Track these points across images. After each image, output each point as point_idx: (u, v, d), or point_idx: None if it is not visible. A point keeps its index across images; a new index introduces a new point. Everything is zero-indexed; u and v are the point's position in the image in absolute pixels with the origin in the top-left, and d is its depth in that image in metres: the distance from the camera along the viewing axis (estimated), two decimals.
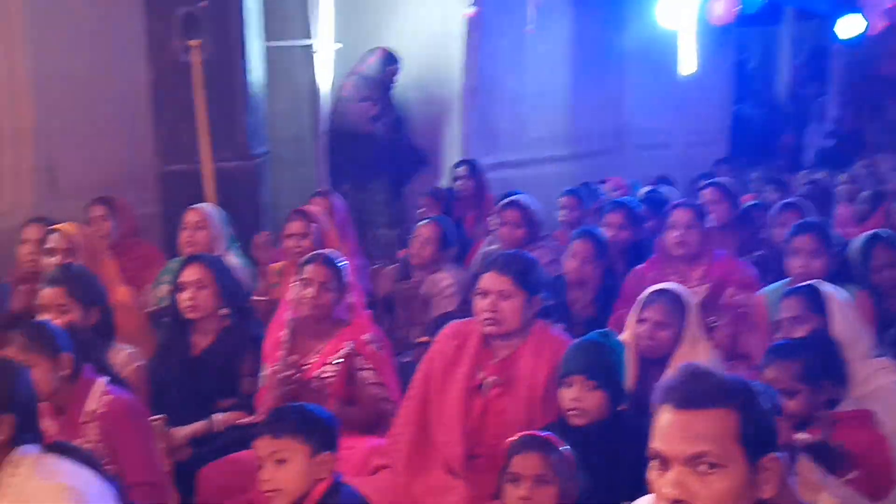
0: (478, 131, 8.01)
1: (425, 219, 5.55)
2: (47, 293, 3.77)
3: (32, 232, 5.02)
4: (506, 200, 5.70)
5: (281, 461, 2.67)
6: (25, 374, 2.56)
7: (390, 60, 7.39)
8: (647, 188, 7.28)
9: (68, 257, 4.40)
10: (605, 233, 5.11)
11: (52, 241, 4.50)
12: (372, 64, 7.41)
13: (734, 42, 11.62)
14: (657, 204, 6.22)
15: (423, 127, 7.80)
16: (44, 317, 3.70)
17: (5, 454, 2.44)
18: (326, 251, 4.15)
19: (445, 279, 5.22)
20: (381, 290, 5.39)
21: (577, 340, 3.39)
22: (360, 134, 7.25)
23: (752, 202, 6.67)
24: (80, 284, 3.81)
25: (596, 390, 3.09)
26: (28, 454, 2.46)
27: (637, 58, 9.40)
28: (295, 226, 4.96)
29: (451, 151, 7.66)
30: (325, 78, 7.31)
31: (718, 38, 9.97)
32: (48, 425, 3.14)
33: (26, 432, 2.48)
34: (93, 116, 6.62)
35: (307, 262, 3.98)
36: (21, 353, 2.95)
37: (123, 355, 3.81)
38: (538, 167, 8.39)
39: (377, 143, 7.30)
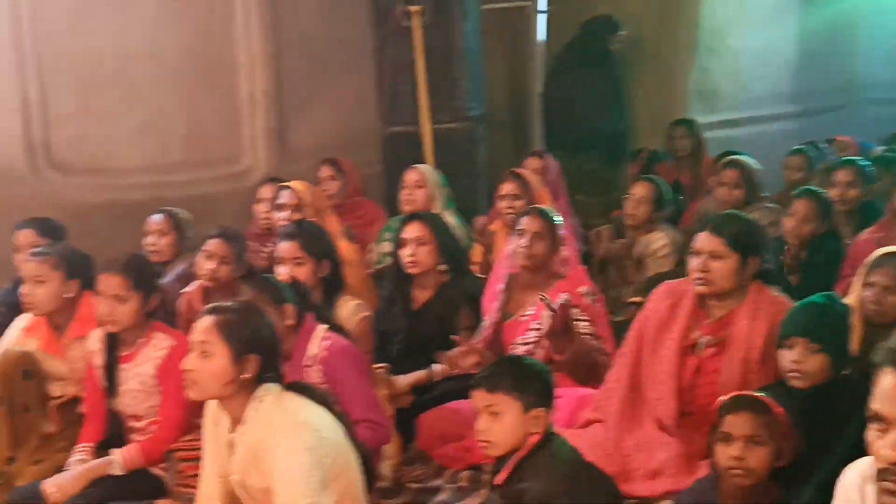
0: (697, 90, 7.82)
1: (640, 178, 5.52)
2: (283, 247, 4.06)
3: (267, 191, 5.40)
4: (724, 160, 5.57)
5: (495, 414, 2.75)
6: (268, 318, 2.80)
7: (611, 28, 7.26)
8: (881, 148, 6.85)
9: (297, 213, 4.71)
10: (832, 192, 4.91)
11: (283, 197, 4.83)
12: (590, 30, 7.32)
13: None
14: (890, 164, 5.89)
15: (640, 87, 7.68)
16: (280, 269, 4.01)
17: (251, 391, 2.69)
18: (541, 206, 4.24)
19: (660, 239, 5.19)
20: (595, 249, 5.43)
21: (799, 302, 3.31)
22: (576, 104, 7.19)
23: None
24: (313, 239, 4.07)
25: (818, 353, 3.01)
26: (271, 391, 2.70)
27: (873, 2, 8.78)
28: (509, 186, 5.07)
29: (670, 111, 7.52)
30: (541, 39, 7.36)
31: None
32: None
33: (269, 371, 2.72)
34: (321, 82, 6.98)
35: (522, 214, 4.10)
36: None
37: (351, 306, 4.05)
38: (760, 126, 8.08)
39: (592, 114, 7.22)
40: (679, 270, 4.60)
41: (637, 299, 4.76)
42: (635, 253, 5.29)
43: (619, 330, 3.95)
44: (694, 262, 3.38)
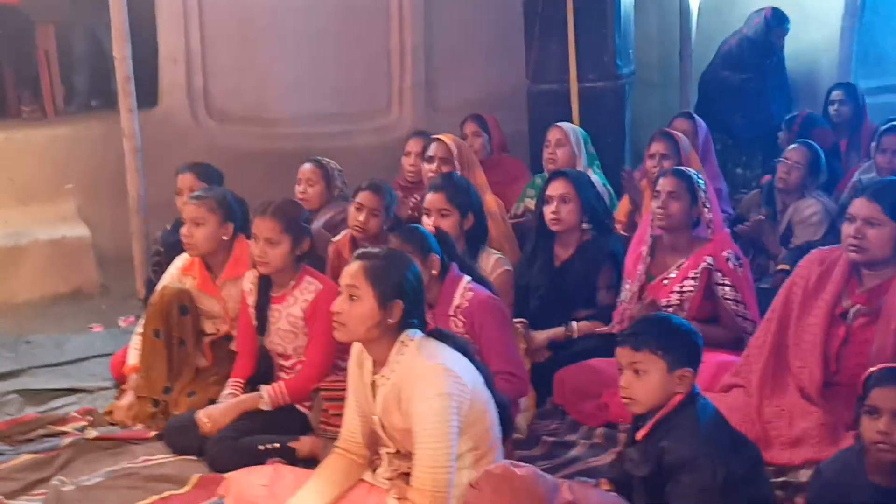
0: (860, 53, 7.46)
1: (795, 143, 5.33)
2: (430, 198, 4.13)
3: (414, 144, 5.47)
4: (886, 126, 5.32)
5: (639, 372, 2.74)
6: (415, 266, 2.87)
7: (777, 22, 6.93)
8: None
9: (444, 165, 4.77)
10: None
11: (432, 149, 4.89)
12: (757, 26, 7.00)
13: None
14: None
15: (800, 51, 7.37)
16: (426, 220, 4.08)
17: (395, 335, 2.77)
18: (680, 167, 4.16)
19: (811, 206, 5.03)
20: (742, 214, 5.30)
21: None
22: (733, 97, 6.93)
23: None
24: (459, 191, 4.12)
25: None
26: (414, 336, 2.77)
27: None
28: (658, 146, 4.99)
29: (830, 75, 7.21)
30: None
31: None
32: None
33: (413, 317, 2.79)
34: (471, 37, 7.02)
35: (660, 175, 4.04)
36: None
37: (493, 260, 4.10)
38: None
39: (755, 110, 6.95)
40: (830, 239, 4.47)
41: (784, 267, 4.64)
42: (785, 219, 5.14)
43: (765, 298, 3.87)
44: (848, 229, 3.27)
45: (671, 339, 2.75)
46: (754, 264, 5.11)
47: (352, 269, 2.78)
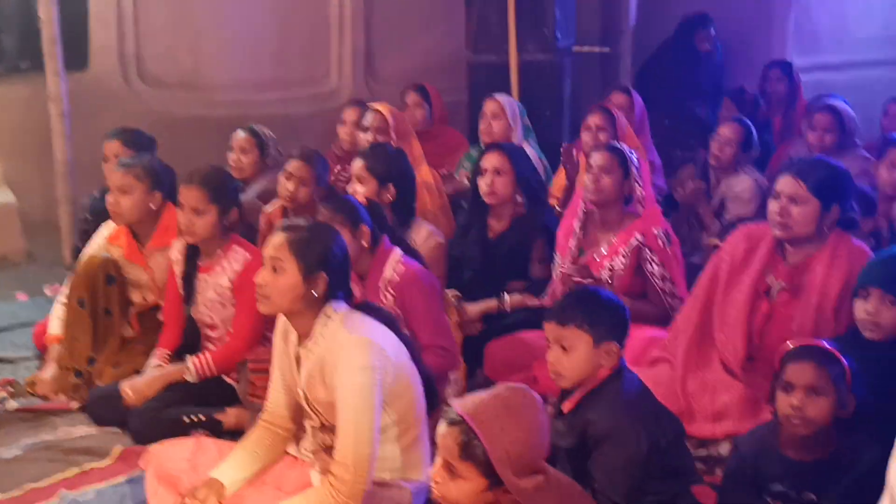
0: (796, 31, 7.54)
1: (728, 120, 5.38)
2: (353, 165, 4.10)
3: (350, 113, 5.42)
4: (818, 104, 5.39)
5: (565, 347, 2.74)
6: (340, 238, 2.83)
7: (703, 24, 6.92)
8: None
9: (380, 135, 4.72)
10: None
11: (368, 119, 4.84)
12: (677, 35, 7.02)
13: None
14: None
15: (738, 28, 7.42)
16: (355, 187, 4.04)
17: (320, 307, 2.74)
18: (613, 142, 4.17)
19: (743, 182, 5.07)
20: (677, 189, 5.33)
21: (879, 252, 3.21)
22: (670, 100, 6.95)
23: None
24: (380, 160, 4.06)
25: (894, 306, 2.94)
26: (338, 309, 2.74)
27: None
28: (594, 119, 4.99)
29: (767, 52, 7.27)
30: None
31: None
32: (354, 289, 3.48)
33: (338, 290, 2.76)
34: (411, 6, 6.95)
35: (592, 150, 4.05)
36: (327, 222, 3.22)
37: (425, 232, 4.07)
38: (862, 71, 7.74)
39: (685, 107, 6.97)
40: (762, 215, 4.51)
41: (716, 242, 4.68)
42: (718, 194, 5.19)
43: (696, 272, 3.90)
44: (774, 206, 3.30)
45: (597, 314, 2.74)
46: (689, 237, 5.16)
47: (275, 241, 2.74)
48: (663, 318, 3.82)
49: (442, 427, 2.32)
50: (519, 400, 2.35)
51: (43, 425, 3.64)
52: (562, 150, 5.14)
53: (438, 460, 2.35)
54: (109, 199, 3.94)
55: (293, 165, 4.26)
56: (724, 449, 3.19)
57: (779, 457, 2.69)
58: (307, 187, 4.24)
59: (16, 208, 5.68)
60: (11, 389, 3.92)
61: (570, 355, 2.73)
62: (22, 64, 6.67)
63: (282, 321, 2.88)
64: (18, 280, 5.36)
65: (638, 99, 5.66)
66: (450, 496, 2.32)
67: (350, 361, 2.62)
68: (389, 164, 4.07)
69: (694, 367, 3.45)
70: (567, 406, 2.78)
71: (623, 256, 3.85)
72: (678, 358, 3.48)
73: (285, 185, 4.25)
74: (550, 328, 2.78)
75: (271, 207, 4.47)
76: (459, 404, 2.34)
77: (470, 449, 2.27)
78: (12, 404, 3.78)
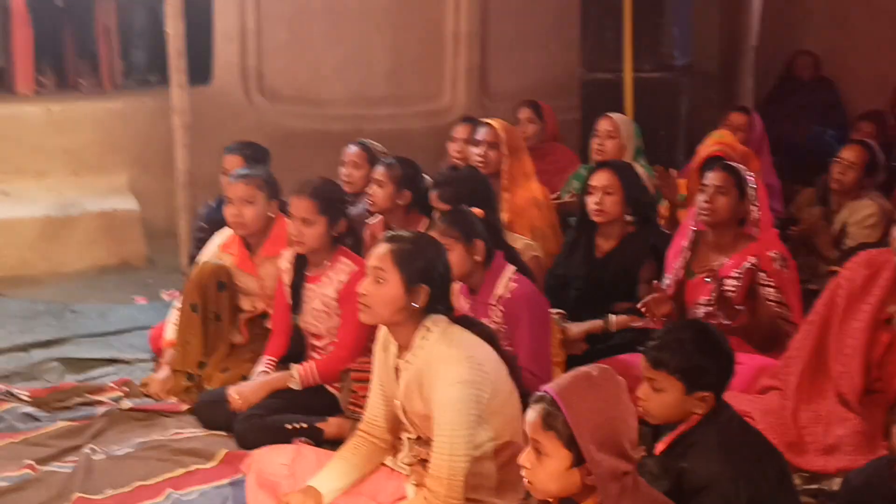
0: None
1: (851, 142, 5.18)
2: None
3: (461, 130, 5.42)
4: None
5: (656, 389, 2.63)
6: (443, 251, 2.84)
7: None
8: None
9: (491, 150, 4.72)
10: None
11: (480, 133, 4.84)
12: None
13: None
14: None
15: (869, 46, 7.17)
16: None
17: (420, 320, 2.74)
18: (729, 162, 4.06)
19: (868, 207, 4.89)
20: (795, 213, 5.17)
21: None
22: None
23: None
24: (454, 186, 4.03)
25: None
26: (438, 322, 2.74)
27: None
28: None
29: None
30: None
31: None
32: (462, 303, 3.48)
33: (438, 303, 2.76)
34: (526, 23, 6.95)
35: (707, 168, 3.95)
36: (441, 236, 3.24)
37: (521, 245, 4.04)
38: None
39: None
40: (885, 242, 4.33)
41: (836, 269, 4.51)
42: (839, 220, 5.01)
43: (814, 300, 3.75)
44: (895, 231, 3.16)
45: (693, 363, 2.58)
46: (804, 265, 4.99)
47: (379, 252, 2.76)
48: (775, 344, 3.69)
49: (529, 409, 2.31)
50: (601, 375, 2.30)
51: (154, 425, 3.75)
52: (656, 171, 4.98)
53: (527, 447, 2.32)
54: (230, 209, 3.99)
55: (376, 171, 4.33)
56: (837, 484, 3.04)
57: (893, 494, 2.55)
58: (383, 189, 4.27)
59: (139, 215, 5.89)
60: (127, 389, 4.06)
61: (659, 397, 2.62)
62: (150, 77, 6.97)
63: (383, 332, 2.89)
64: (138, 284, 5.56)
65: (757, 119, 5.52)
66: (538, 481, 2.27)
67: (448, 375, 2.61)
68: (459, 187, 4.03)
69: (807, 398, 3.32)
70: (660, 447, 2.68)
71: (735, 279, 3.73)
72: (790, 387, 3.36)
73: (370, 190, 4.32)
74: (644, 364, 2.66)
75: (374, 220, 4.52)
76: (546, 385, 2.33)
77: (550, 419, 2.23)
78: (126, 404, 3.90)
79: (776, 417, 3.25)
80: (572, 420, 2.21)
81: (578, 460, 2.23)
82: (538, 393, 2.30)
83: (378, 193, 4.25)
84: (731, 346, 2.70)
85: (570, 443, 2.22)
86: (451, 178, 4.11)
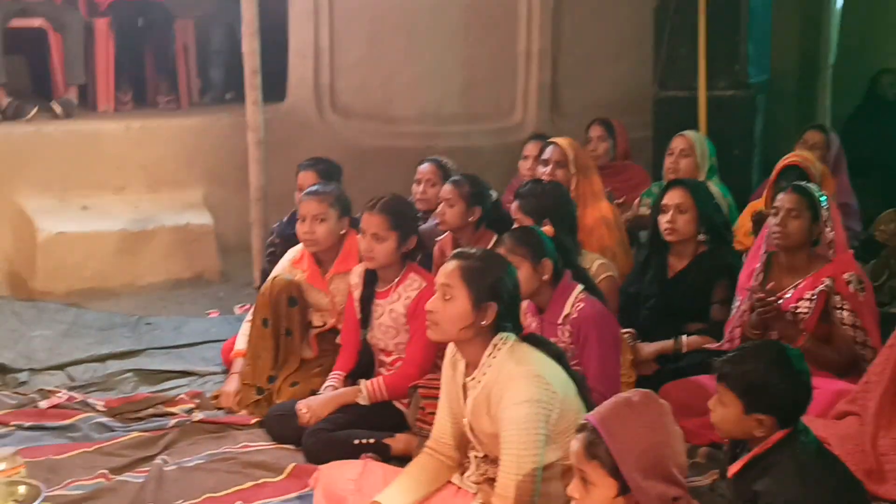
0: None
1: None
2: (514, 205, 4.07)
3: (532, 147, 5.42)
4: None
5: (722, 402, 2.64)
6: (511, 269, 2.82)
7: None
8: None
9: (559, 169, 4.69)
10: None
11: (547, 152, 4.82)
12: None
13: None
14: None
15: None
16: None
17: (488, 338, 2.73)
18: (804, 183, 3.97)
19: None
20: (876, 233, 5.04)
21: None
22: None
23: None
24: (536, 198, 4.00)
25: None
26: (507, 340, 2.72)
27: None
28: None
29: None
30: (836, 7, 6.87)
31: None
32: (530, 321, 3.46)
33: (506, 321, 2.74)
34: (598, 41, 6.91)
35: (780, 190, 3.87)
36: (509, 253, 3.23)
37: (596, 265, 4.00)
38: None
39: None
40: None
41: None
42: None
43: (894, 322, 3.65)
44: None
45: (754, 381, 2.57)
46: (886, 286, 4.86)
47: (447, 269, 2.76)
48: (851, 369, 3.59)
49: (573, 439, 2.28)
50: (642, 400, 2.29)
51: (225, 437, 3.79)
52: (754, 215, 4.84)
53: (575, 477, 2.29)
54: (302, 226, 4.02)
55: (444, 189, 4.33)
56: None
57: None
58: (453, 208, 4.25)
59: (213, 230, 5.99)
60: (198, 401, 4.11)
61: (721, 410, 2.64)
62: (227, 95, 7.10)
63: (451, 349, 2.89)
64: (212, 298, 5.65)
65: (834, 138, 5.40)
66: None
67: (515, 394, 2.59)
68: (541, 201, 4.00)
69: (887, 424, 3.21)
70: (733, 469, 2.63)
71: (809, 301, 3.65)
72: (869, 412, 3.25)
73: (438, 209, 4.30)
74: (711, 382, 2.70)
75: (443, 237, 4.51)
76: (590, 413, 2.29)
77: (594, 448, 2.22)
78: (197, 415, 3.95)
79: (854, 444, 3.16)
80: (614, 448, 2.18)
81: (625, 488, 2.20)
82: (580, 421, 2.28)
83: (448, 212, 4.25)
84: (810, 374, 2.65)
85: (615, 471, 2.19)
86: (535, 191, 4.07)
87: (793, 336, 3.58)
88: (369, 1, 6.59)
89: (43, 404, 4.05)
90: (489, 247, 4.13)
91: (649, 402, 2.29)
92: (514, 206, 4.07)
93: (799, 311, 3.66)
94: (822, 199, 3.76)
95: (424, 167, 4.99)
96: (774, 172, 4.72)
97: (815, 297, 3.64)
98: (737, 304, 3.90)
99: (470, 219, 4.26)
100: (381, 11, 6.62)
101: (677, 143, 5.18)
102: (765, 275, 3.82)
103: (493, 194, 4.43)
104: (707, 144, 5.22)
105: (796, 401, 2.60)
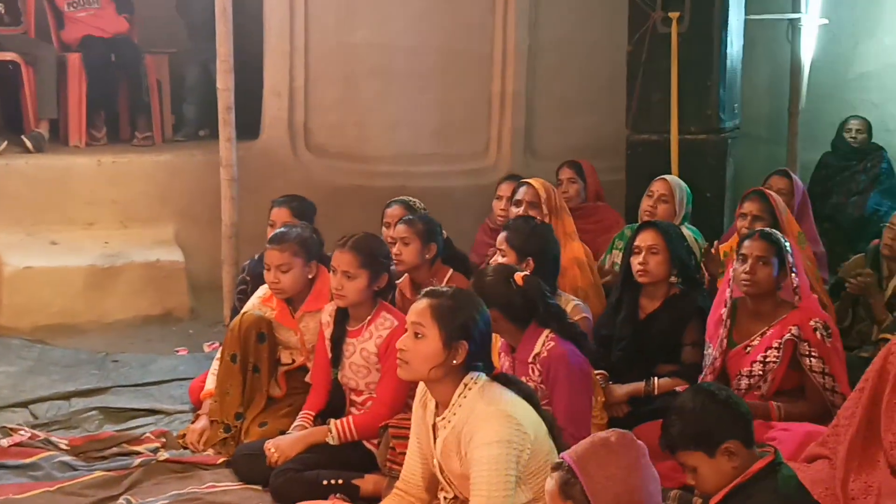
0: None
1: None
2: (498, 237, 4.07)
3: (505, 188, 5.43)
4: None
5: (692, 468, 2.63)
6: (483, 308, 2.81)
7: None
8: None
9: (532, 210, 4.70)
10: None
11: (520, 193, 4.83)
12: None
13: None
14: None
15: None
16: (496, 258, 4.02)
17: (459, 377, 2.71)
18: (767, 229, 4.00)
19: None
20: (843, 280, 5.07)
21: None
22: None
23: None
24: (523, 235, 3.99)
25: None
26: (478, 380, 2.70)
27: None
28: (751, 206, 4.81)
29: None
30: (807, 55, 6.98)
31: None
32: (503, 360, 3.44)
33: (478, 360, 2.72)
34: (572, 85, 6.97)
35: (746, 237, 3.89)
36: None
37: (571, 306, 3.99)
38: None
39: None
40: None
41: (888, 336, 4.41)
42: (892, 286, 4.90)
43: (864, 367, 3.65)
44: None
45: (696, 425, 2.59)
46: (854, 330, 4.88)
47: (418, 307, 2.74)
48: (823, 417, 3.59)
49: (548, 478, 2.26)
50: (621, 442, 2.28)
51: (190, 477, 3.72)
52: (703, 249, 4.90)
53: None
54: (269, 275, 3.98)
55: (397, 229, 4.31)
56: None
57: None
58: (408, 246, 4.24)
59: (184, 267, 5.94)
60: (164, 440, 4.05)
61: (698, 475, 2.62)
62: (201, 132, 7.08)
63: (421, 388, 2.87)
64: (181, 336, 5.59)
65: (798, 183, 5.45)
66: None
67: (486, 434, 2.57)
68: (529, 239, 4.01)
69: (857, 468, 3.19)
70: (714, 501, 2.63)
71: (777, 349, 3.66)
72: (840, 456, 3.24)
73: (395, 251, 4.26)
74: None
75: (401, 279, 4.46)
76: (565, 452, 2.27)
77: (568, 488, 2.20)
78: (163, 455, 3.89)
79: (825, 487, 3.14)
80: (590, 489, 2.17)
81: None
82: (556, 460, 2.26)
83: (404, 251, 4.24)
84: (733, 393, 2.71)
85: None
86: (524, 228, 4.06)
87: (765, 414, 3.59)
88: (345, 41, 6.62)
89: (4, 442, 3.96)
90: (445, 282, 4.15)
91: (627, 443, 2.27)
92: (500, 236, 4.06)
93: (768, 359, 3.67)
94: (786, 245, 3.79)
95: (392, 209, 4.93)
96: (741, 201, 4.80)
97: (782, 345, 3.65)
98: (709, 350, 3.90)
99: (427, 255, 4.26)
100: (356, 52, 6.65)
101: (658, 187, 5.16)
102: (731, 321, 3.83)
103: (444, 233, 4.43)
104: (686, 191, 5.22)
105: (740, 413, 2.63)
